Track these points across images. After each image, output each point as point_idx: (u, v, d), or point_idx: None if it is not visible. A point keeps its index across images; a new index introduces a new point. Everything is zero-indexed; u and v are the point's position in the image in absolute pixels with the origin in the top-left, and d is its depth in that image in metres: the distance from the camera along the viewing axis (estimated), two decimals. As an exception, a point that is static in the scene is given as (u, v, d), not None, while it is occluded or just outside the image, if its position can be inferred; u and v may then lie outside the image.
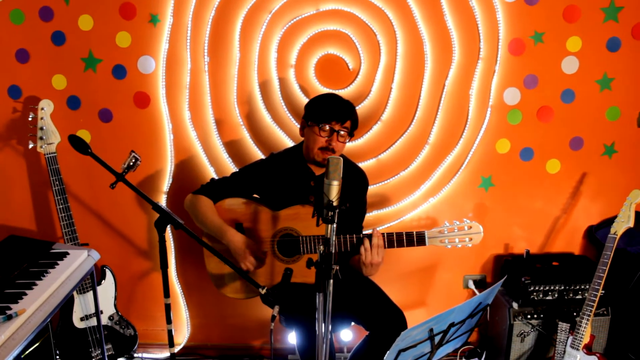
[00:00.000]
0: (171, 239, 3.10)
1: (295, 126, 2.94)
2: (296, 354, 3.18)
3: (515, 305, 2.81)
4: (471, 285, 3.14)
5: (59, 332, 2.87)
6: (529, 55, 2.87)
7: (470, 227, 2.35)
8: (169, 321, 2.32)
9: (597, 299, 2.51)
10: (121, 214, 3.09)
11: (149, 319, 3.23)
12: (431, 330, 2.00)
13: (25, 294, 2.14)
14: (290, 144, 2.94)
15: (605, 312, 2.82)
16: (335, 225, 1.95)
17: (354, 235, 2.38)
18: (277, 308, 2.15)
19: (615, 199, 3.03)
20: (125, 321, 3.00)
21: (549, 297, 2.81)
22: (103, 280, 2.95)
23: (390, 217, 3.05)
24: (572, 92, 2.92)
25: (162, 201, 3.05)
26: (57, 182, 2.81)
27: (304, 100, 2.91)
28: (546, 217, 3.10)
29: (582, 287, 2.81)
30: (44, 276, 2.29)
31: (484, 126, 2.94)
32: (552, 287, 2.80)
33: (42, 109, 2.80)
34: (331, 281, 1.95)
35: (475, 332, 3.23)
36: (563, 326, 2.62)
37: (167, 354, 3.22)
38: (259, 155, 2.96)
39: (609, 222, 3.04)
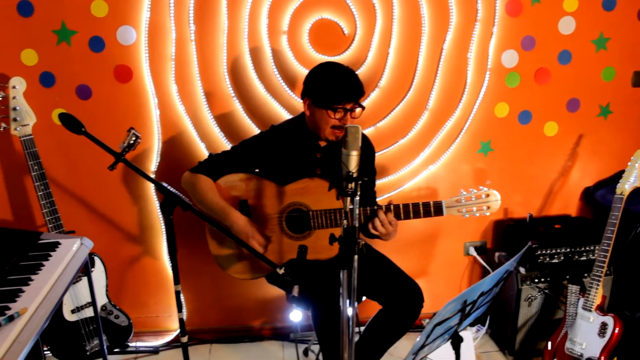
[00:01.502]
0: (162, 222, 2.93)
1: (291, 96, 2.79)
2: (298, 331, 3.12)
3: (522, 270, 2.80)
4: (472, 252, 3.11)
5: (48, 327, 2.67)
6: (526, 16, 2.81)
7: (488, 195, 2.29)
8: (179, 309, 2.17)
9: (607, 260, 2.51)
10: (106, 198, 2.89)
11: (141, 306, 3.07)
12: (465, 301, 1.95)
13: (23, 291, 1.96)
14: (285, 114, 2.80)
15: (608, 272, 2.84)
16: (357, 199, 1.85)
17: (367, 208, 2.29)
18: (296, 288, 2.05)
19: (610, 160, 3.05)
20: (118, 310, 2.83)
21: (555, 260, 2.81)
22: (93, 269, 2.76)
23: (390, 187, 2.97)
24: (569, 53, 2.88)
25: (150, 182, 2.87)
26: (36, 167, 2.59)
27: (299, 68, 2.76)
28: (544, 180, 3.09)
29: (587, 248, 2.81)
30: (40, 270, 2.10)
31: (482, 90, 2.88)
32: (558, 250, 2.80)
33: (14, 87, 2.55)
34: (356, 257, 1.87)
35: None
36: (573, 288, 2.61)
37: (162, 341, 3.07)
38: (252, 128, 2.81)
39: (605, 183, 3.07)
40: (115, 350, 2.92)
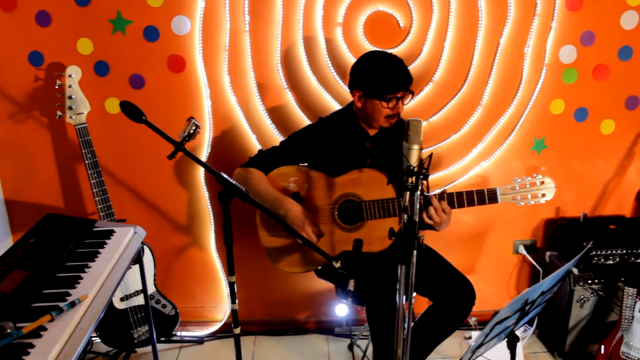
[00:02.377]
0: (210, 213, 2.92)
1: (343, 89, 2.76)
2: (343, 326, 3.11)
3: (575, 270, 2.74)
4: (522, 250, 3.06)
5: (99, 313, 2.70)
6: (586, 10, 2.73)
7: (543, 183, 2.26)
8: (233, 300, 2.16)
9: (667, 262, 2.45)
10: (156, 187, 2.90)
11: (187, 296, 3.08)
12: (526, 300, 1.91)
13: (81, 278, 1.98)
14: (337, 107, 2.77)
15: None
16: (419, 193, 1.82)
17: (421, 197, 2.26)
18: (352, 282, 2.03)
19: (669, 160, 2.97)
20: (166, 300, 2.84)
21: (610, 262, 2.74)
22: (142, 258, 2.77)
23: (441, 183, 2.93)
24: (630, 49, 2.80)
25: (200, 173, 2.87)
26: (89, 155, 2.61)
27: (352, 60, 2.70)
28: (598, 180, 3.01)
29: (644, 250, 2.75)
30: (97, 257, 2.12)
31: (538, 86, 2.82)
32: (613, 252, 2.73)
33: (70, 76, 2.57)
34: (415, 252, 1.84)
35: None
36: (630, 291, 2.55)
37: (207, 331, 3.08)
38: (304, 120, 2.78)
39: (662, 183, 2.98)
40: (162, 339, 2.94)
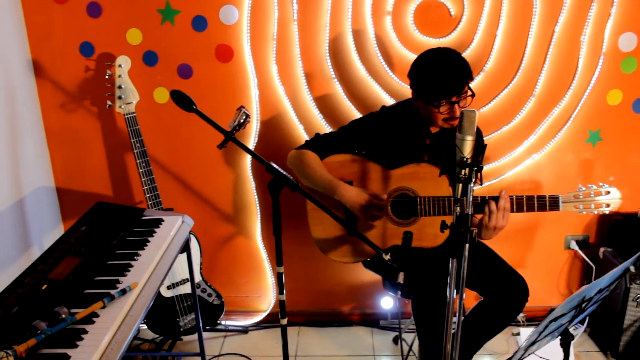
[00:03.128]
0: (257, 203, 2.92)
1: (393, 79, 2.71)
2: (388, 318, 3.08)
3: (632, 268, 2.64)
4: (574, 245, 2.97)
5: (147, 301, 2.74)
6: (648, -5, 2.62)
7: (609, 193, 2.17)
8: (281, 291, 2.15)
9: None
10: (204, 177, 2.92)
11: (232, 285, 3.09)
12: (583, 297, 1.85)
13: (131, 266, 2.00)
14: (386, 98, 2.73)
15: None
16: (472, 185, 1.77)
17: (479, 197, 2.20)
18: (402, 275, 1.99)
19: None
20: (211, 289, 2.85)
21: (669, 259, 2.64)
22: (189, 247, 2.79)
23: (491, 175, 2.86)
24: (694, 37, 2.68)
25: (247, 162, 2.87)
26: (138, 144, 2.63)
27: (402, 50, 2.68)
28: (657, 174, 2.90)
29: None
30: (146, 246, 2.14)
31: (595, 76, 2.71)
32: (672, 248, 2.63)
33: (120, 65, 2.60)
34: (467, 245, 1.79)
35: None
36: (691, 290, 2.45)
37: (251, 321, 3.09)
38: (352, 111, 2.75)
39: None
40: (207, 327, 2.96)
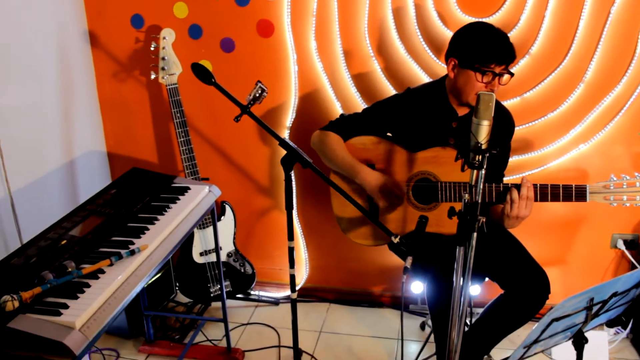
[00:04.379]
0: (293, 178, 2.96)
1: (432, 59, 2.64)
2: (418, 303, 3.03)
3: (678, 271, 2.45)
4: (620, 245, 2.78)
5: (179, 265, 2.86)
6: None
7: None
8: (291, 265, 2.18)
9: None
10: (243, 149, 2.99)
11: (267, 257, 3.16)
12: (591, 299, 1.74)
13: (148, 229, 2.10)
14: (425, 78, 2.66)
15: None
16: (483, 172, 1.71)
17: (500, 185, 2.11)
18: (410, 259, 1.96)
19: None
20: (243, 259, 2.94)
21: None
22: (223, 217, 2.89)
23: (533, 164, 2.72)
24: None
25: (285, 136, 2.90)
26: (178, 115, 2.73)
27: (443, 30, 2.60)
28: None
29: None
30: (166, 211, 2.24)
31: (654, 63, 2.51)
32: None
33: (164, 38, 2.69)
34: (475, 234, 1.73)
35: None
36: None
37: (283, 293, 3.16)
38: (389, 89, 2.71)
39: None
40: (238, 296, 3.05)
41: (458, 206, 2.20)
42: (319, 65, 2.76)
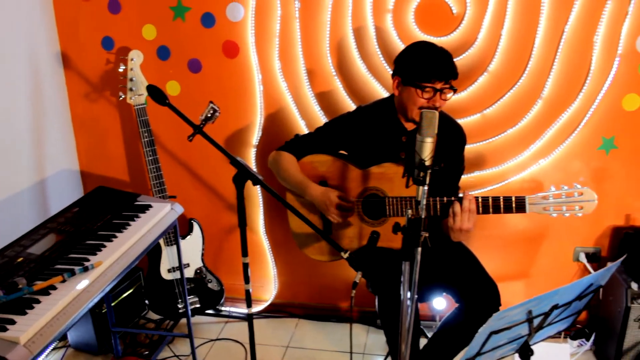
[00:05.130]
0: (259, 195, 3.01)
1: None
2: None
3: (635, 286, 2.47)
4: (582, 258, 2.81)
5: (148, 282, 2.90)
6: (672, -7, 2.43)
7: (582, 194, 2.03)
8: (246, 281, 2.22)
9: None
10: (211, 167, 3.04)
11: (237, 273, 3.18)
12: (530, 312, 1.77)
13: (105, 246, 2.13)
14: (385, 95, 2.71)
15: None
16: (426, 188, 1.75)
17: (444, 198, 2.15)
18: (359, 274, 1.99)
19: None
20: (212, 275, 2.97)
21: (678, 279, 2.45)
22: (191, 233, 2.93)
23: (494, 179, 2.76)
24: None
25: (252, 155, 2.95)
26: (146, 134, 2.78)
27: (402, 48, 2.64)
28: (679, 186, 2.68)
29: None
30: (125, 229, 2.27)
31: (609, 79, 2.55)
32: (682, 268, 2.43)
33: (132, 59, 2.75)
34: (419, 249, 1.77)
35: (584, 311, 2.92)
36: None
37: (254, 309, 3.18)
38: (352, 107, 2.76)
39: None
40: (208, 312, 3.08)
41: (404, 221, 2.25)
42: (283, 84, 2.81)
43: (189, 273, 2.92)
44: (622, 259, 1.85)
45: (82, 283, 1.89)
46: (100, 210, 2.41)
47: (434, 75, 2.13)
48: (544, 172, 2.73)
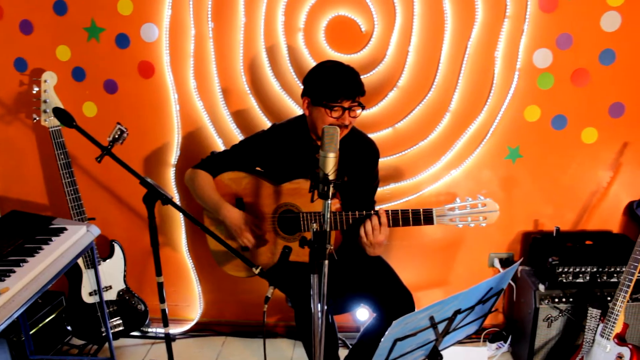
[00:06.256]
0: (181, 215, 3.01)
1: (305, 94, 2.76)
2: (311, 332, 3.09)
3: (541, 287, 2.58)
4: (497, 264, 2.92)
5: (68, 307, 2.85)
6: (562, 11, 2.57)
7: (485, 205, 2.12)
8: (161, 300, 2.23)
9: (632, 283, 2.26)
10: (130, 188, 3.02)
11: (161, 294, 3.17)
12: (432, 317, 1.83)
13: (14, 272, 2.08)
14: (300, 112, 2.77)
15: (637, 298, 2.54)
16: (329, 202, 1.80)
17: (356, 213, 2.21)
18: (271, 289, 2.02)
19: (660, 172, 2.73)
20: (135, 296, 2.94)
21: (580, 280, 2.57)
22: (112, 255, 2.89)
23: (408, 191, 2.85)
24: (613, 53, 2.60)
25: (171, 174, 2.95)
26: (62, 156, 2.75)
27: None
28: (581, 192, 2.82)
29: (618, 269, 2.54)
30: (37, 253, 2.23)
31: (510, 92, 2.68)
32: (583, 269, 2.55)
33: (45, 81, 2.72)
34: (326, 262, 1.81)
35: (501, 315, 3.02)
36: (593, 312, 2.38)
37: (181, 329, 3.16)
38: (267, 124, 2.80)
39: (652, 197, 2.76)
40: (133, 334, 3.05)
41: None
42: (199, 103, 2.83)
43: (111, 295, 2.89)
44: (516, 264, 1.94)
45: (-15, 310, 1.86)
46: (11, 235, 2.36)
47: (341, 94, 2.18)
48: (456, 182, 2.83)
